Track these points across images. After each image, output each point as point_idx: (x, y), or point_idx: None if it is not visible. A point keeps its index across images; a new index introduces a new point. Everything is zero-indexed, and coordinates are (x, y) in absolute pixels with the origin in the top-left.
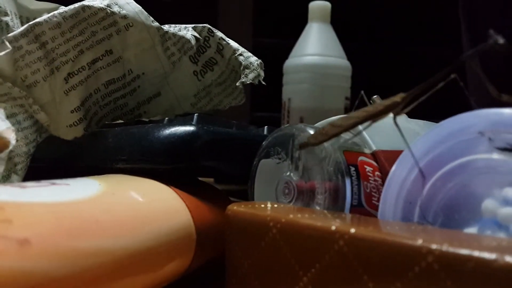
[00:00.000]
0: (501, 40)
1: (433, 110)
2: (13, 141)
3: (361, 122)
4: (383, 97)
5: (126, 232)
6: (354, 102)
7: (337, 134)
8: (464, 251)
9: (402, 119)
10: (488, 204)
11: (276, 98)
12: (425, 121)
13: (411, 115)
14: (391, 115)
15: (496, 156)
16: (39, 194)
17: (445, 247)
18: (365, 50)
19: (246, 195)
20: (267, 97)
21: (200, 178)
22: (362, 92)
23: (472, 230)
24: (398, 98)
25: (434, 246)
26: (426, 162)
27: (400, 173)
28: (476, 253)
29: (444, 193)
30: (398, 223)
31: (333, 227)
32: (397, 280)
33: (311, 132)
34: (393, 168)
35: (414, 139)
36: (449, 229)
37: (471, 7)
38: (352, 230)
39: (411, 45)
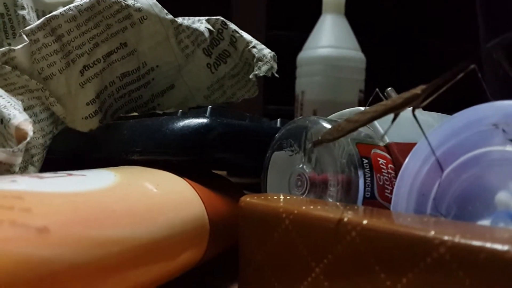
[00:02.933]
0: None
1: (446, 103)
2: (30, 133)
3: (379, 117)
4: (397, 90)
5: (141, 222)
6: (368, 94)
7: (353, 130)
8: (476, 242)
9: (416, 111)
10: (502, 196)
11: (290, 91)
12: (439, 113)
13: (425, 107)
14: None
15: (510, 148)
16: (56, 184)
17: (457, 238)
18: (379, 42)
19: (259, 188)
20: (280, 90)
21: (213, 171)
22: (377, 89)
23: (485, 222)
24: (418, 90)
25: (446, 237)
26: (440, 154)
27: (413, 165)
28: (488, 245)
29: (457, 185)
30: (411, 215)
31: (346, 218)
32: (409, 270)
33: (324, 124)
34: (407, 160)
35: (428, 130)
36: (461, 221)
37: (490, 3)
38: (365, 222)
39: (426, 38)
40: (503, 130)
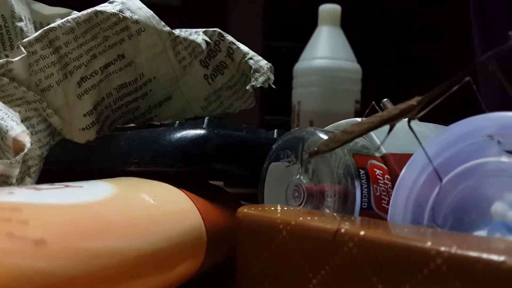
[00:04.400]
0: None
1: (442, 114)
2: (28, 145)
3: (375, 128)
4: (393, 100)
5: (138, 234)
6: (364, 105)
7: (349, 141)
8: (472, 253)
9: (412, 122)
10: (498, 207)
11: (286, 102)
12: (435, 124)
13: (421, 118)
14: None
15: (505, 159)
16: (53, 195)
17: (454, 249)
18: (375, 53)
19: (256, 199)
20: (277, 101)
21: (210, 182)
22: (373, 102)
23: (481, 233)
24: (414, 101)
25: (443, 248)
26: (436, 165)
27: (410, 176)
28: (484, 255)
29: (453, 196)
30: (408, 225)
31: (343, 229)
32: (406, 281)
33: (321, 135)
34: (403, 171)
35: (424, 142)
36: (458, 232)
37: (483, 10)
38: (362, 232)
39: (421, 49)
40: (498, 142)
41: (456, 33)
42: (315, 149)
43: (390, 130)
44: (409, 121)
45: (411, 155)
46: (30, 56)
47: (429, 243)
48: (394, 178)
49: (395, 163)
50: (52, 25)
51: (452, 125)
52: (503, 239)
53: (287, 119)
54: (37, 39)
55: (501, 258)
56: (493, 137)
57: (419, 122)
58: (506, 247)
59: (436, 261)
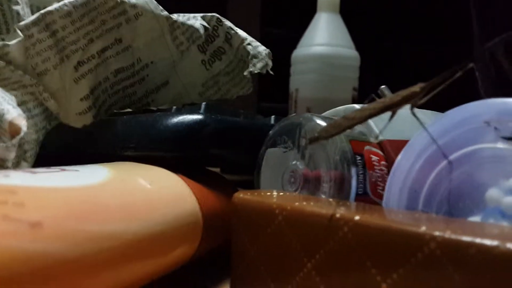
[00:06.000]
0: None
1: (440, 101)
2: (24, 128)
3: (376, 114)
4: (390, 88)
5: (135, 217)
6: (362, 92)
7: (350, 127)
8: (466, 238)
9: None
10: (492, 193)
11: (284, 89)
12: (432, 111)
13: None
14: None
15: (501, 145)
16: (49, 179)
17: (448, 234)
18: (374, 41)
19: (253, 186)
20: (274, 88)
21: (207, 168)
22: (373, 95)
23: (476, 218)
24: (417, 88)
25: (436, 233)
26: (433, 150)
27: (405, 162)
28: (478, 240)
29: (449, 182)
30: (402, 211)
31: (338, 214)
32: (400, 266)
33: (318, 121)
34: (399, 157)
35: (420, 128)
36: (452, 218)
37: (483, 3)
38: (357, 217)
39: (420, 37)
40: (495, 128)
41: (455, 23)
42: (316, 135)
43: (392, 117)
44: (411, 108)
45: (407, 141)
46: (27, 39)
47: (423, 228)
48: (390, 164)
49: (392, 149)
50: (49, 8)
51: (449, 111)
52: (496, 224)
53: (285, 106)
54: (34, 23)
55: (494, 242)
56: (489, 123)
57: (416, 109)
58: (500, 232)
59: (430, 245)
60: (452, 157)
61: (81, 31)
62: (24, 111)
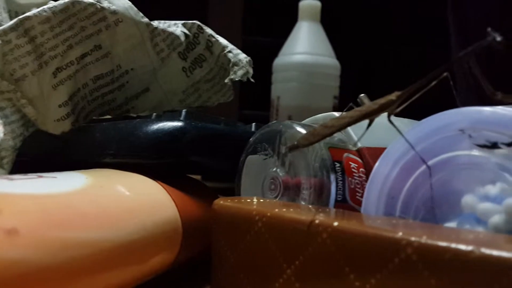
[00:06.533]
0: (499, 38)
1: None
2: (0, 135)
3: (354, 122)
4: (370, 96)
5: (112, 225)
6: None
7: (329, 135)
8: (441, 243)
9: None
10: (468, 199)
11: (265, 97)
12: (409, 119)
13: (396, 113)
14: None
15: (476, 152)
16: (26, 186)
17: (424, 239)
18: (354, 50)
19: (234, 193)
20: (256, 95)
21: (188, 175)
22: (351, 104)
23: (452, 224)
24: (393, 96)
25: (413, 238)
26: (409, 157)
27: (383, 169)
28: (453, 245)
29: (426, 189)
30: (380, 217)
31: (317, 220)
32: (378, 271)
33: (298, 128)
34: (376, 164)
35: (398, 136)
36: (429, 223)
37: (460, 8)
38: (335, 223)
39: (400, 45)
40: (469, 136)
41: (434, 30)
42: (295, 142)
43: (369, 125)
44: (389, 116)
45: (385, 148)
46: (5, 45)
47: (400, 234)
48: (368, 171)
49: (370, 156)
50: (27, 14)
51: (425, 119)
52: (472, 230)
53: (266, 114)
54: (12, 28)
55: (469, 248)
56: (464, 131)
57: (393, 117)
58: (474, 238)
59: (406, 250)
60: (428, 163)
61: (60, 37)
62: (1, 117)
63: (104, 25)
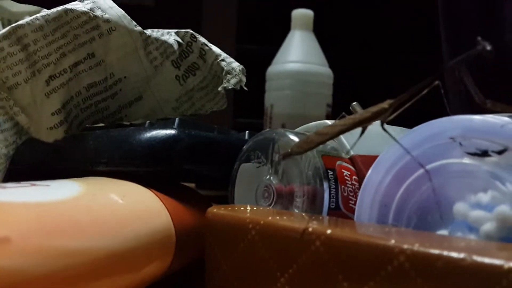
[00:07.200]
0: (488, 47)
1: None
2: None
3: (347, 130)
4: (363, 104)
5: (106, 233)
6: (335, 109)
7: (322, 143)
8: (434, 251)
9: (379, 125)
10: (460, 207)
11: (259, 105)
12: (401, 127)
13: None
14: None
15: (466, 160)
16: (19, 194)
17: (416, 247)
18: (346, 58)
19: (227, 202)
20: (249, 104)
21: (181, 183)
22: (344, 113)
23: (444, 232)
24: (385, 104)
25: (405, 246)
26: (402, 165)
27: (375, 177)
28: (445, 253)
29: (417, 196)
30: (373, 225)
31: (310, 228)
32: (371, 279)
33: (291, 136)
34: (369, 172)
35: (390, 144)
36: (421, 231)
37: (452, 15)
38: (329, 231)
39: (392, 53)
40: (460, 144)
41: (426, 37)
42: (289, 150)
43: (362, 132)
44: (381, 124)
45: (377, 156)
46: None
47: (392, 241)
48: (361, 179)
49: (363, 164)
50: (20, 22)
51: (416, 127)
52: (463, 237)
53: (260, 122)
54: (5, 36)
55: (461, 255)
56: (455, 139)
57: (386, 125)
58: (466, 245)
59: (399, 258)
60: (420, 172)
61: (53, 45)
62: None
63: (97, 34)
